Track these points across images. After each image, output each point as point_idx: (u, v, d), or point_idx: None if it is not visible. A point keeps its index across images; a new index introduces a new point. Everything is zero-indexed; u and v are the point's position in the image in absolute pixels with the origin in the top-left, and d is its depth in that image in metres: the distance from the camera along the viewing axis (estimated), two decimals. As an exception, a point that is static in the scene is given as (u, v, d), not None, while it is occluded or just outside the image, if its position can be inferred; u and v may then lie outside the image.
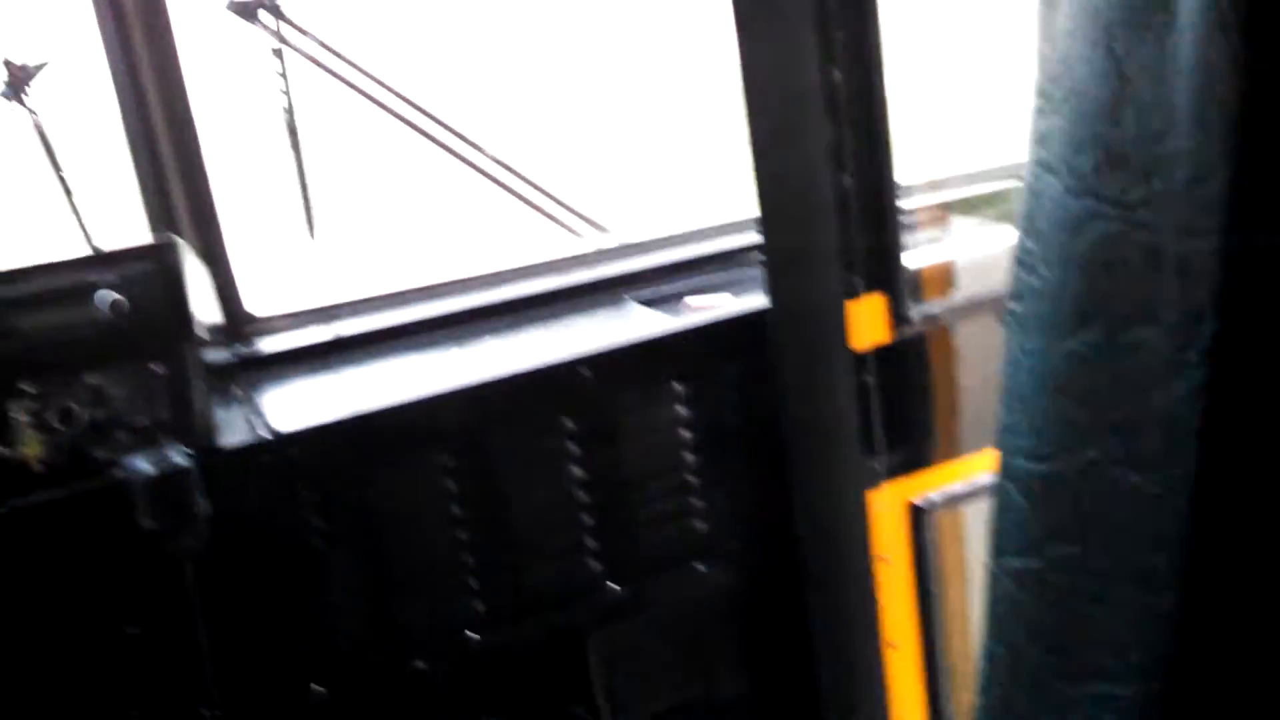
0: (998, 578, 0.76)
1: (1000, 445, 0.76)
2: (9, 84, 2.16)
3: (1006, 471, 0.75)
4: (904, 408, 2.11)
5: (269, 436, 1.90)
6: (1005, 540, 0.76)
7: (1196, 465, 0.63)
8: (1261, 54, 0.58)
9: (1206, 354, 0.61)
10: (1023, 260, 0.73)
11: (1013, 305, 0.74)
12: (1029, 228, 0.72)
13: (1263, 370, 0.62)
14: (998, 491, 0.77)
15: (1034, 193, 0.72)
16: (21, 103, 2.17)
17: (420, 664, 2.02)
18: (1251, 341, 0.62)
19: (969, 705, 2.30)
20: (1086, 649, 0.70)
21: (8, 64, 2.17)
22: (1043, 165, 0.71)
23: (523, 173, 2.59)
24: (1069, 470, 0.70)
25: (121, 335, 1.82)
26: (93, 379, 1.81)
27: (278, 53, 2.32)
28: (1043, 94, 0.70)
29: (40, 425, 1.77)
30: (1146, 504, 0.65)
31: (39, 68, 2.19)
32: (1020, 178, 2.35)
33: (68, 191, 2.28)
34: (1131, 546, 0.66)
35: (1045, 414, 0.71)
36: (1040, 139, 0.71)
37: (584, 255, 2.56)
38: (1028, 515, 0.73)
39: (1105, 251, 0.67)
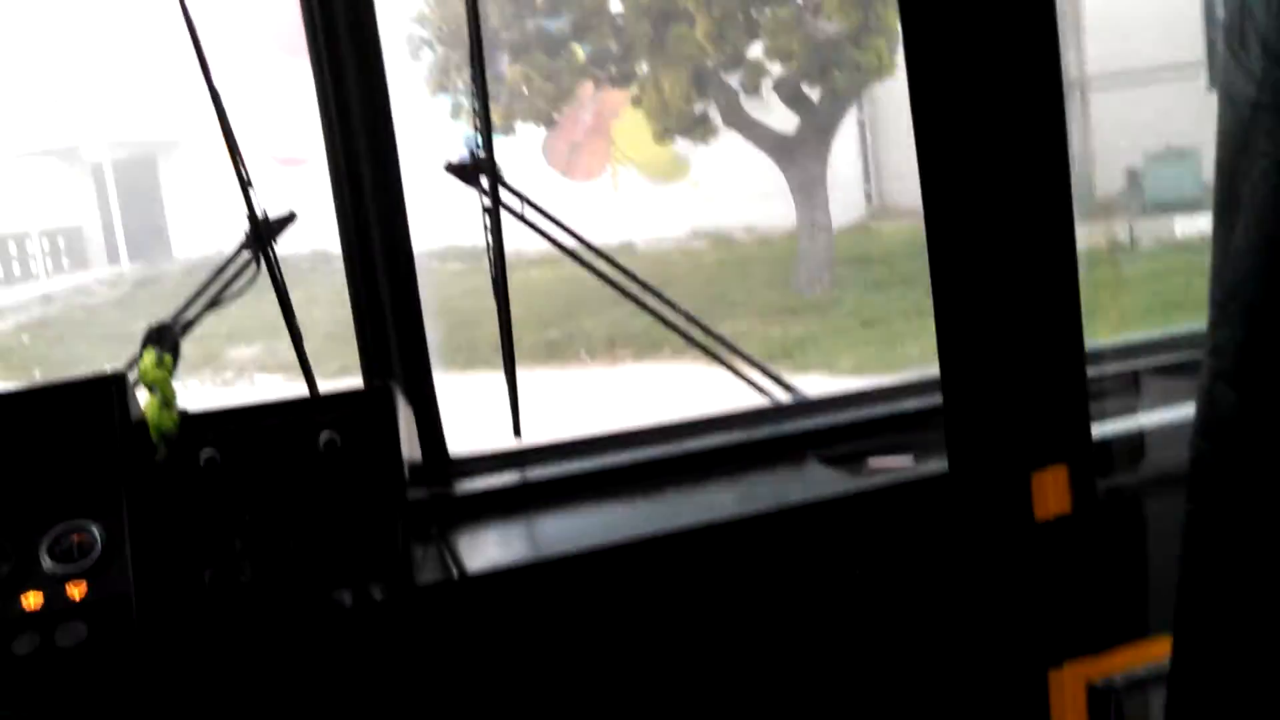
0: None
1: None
2: (257, 236, 2.38)
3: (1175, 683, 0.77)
4: (1087, 583, 2.07)
5: (458, 577, 2.01)
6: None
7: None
8: None
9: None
10: (1199, 462, 0.77)
11: (1189, 505, 0.77)
12: (1206, 432, 0.76)
13: None
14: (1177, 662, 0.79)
15: (1210, 399, 0.76)
16: (266, 256, 2.38)
17: None
18: None
19: None
20: None
21: (264, 220, 2.38)
22: (1219, 375, 0.75)
23: (714, 329, 2.69)
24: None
25: (335, 474, 1.98)
26: (306, 511, 1.97)
27: (489, 212, 2.49)
28: (1219, 306, 0.75)
29: (255, 553, 1.93)
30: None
31: (286, 221, 2.41)
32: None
33: (297, 338, 2.48)
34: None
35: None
36: (1217, 350, 0.75)
37: (768, 410, 2.63)
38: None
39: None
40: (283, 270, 2.45)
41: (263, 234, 2.40)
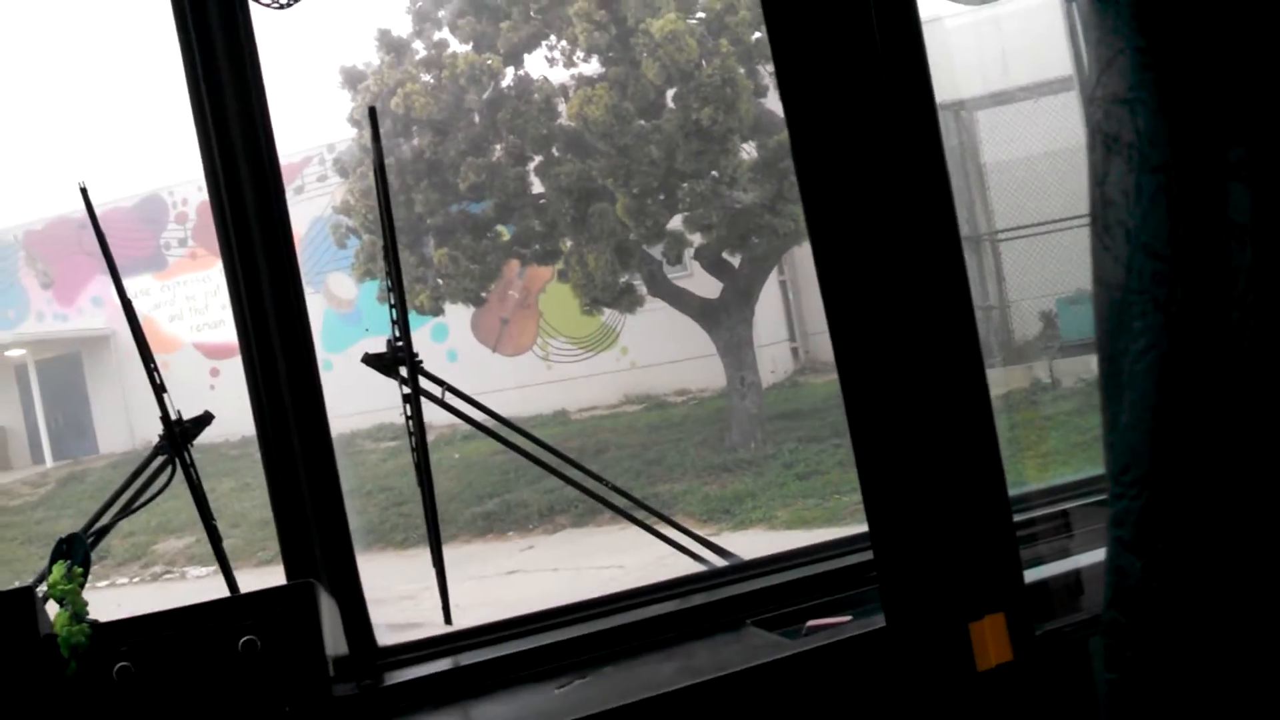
0: None
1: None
2: (171, 441, 2.35)
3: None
4: (1036, 731, 2.05)
5: None
6: None
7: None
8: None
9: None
10: (1114, 631, 0.77)
11: (1109, 675, 0.77)
12: (1116, 602, 0.77)
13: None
14: None
15: (1116, 569, 0.76)
16: (182, 459, 2.35)
17: None
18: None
19: None
20: None
21: (178, 423, 2.37)
22: (1122, 544, 0.76)
23: (642, 497, 2.68)
24: None
25: (256, 676, 1.91)
26: (227, 719, 1.89)
27: (409, 400, 2.50)
28: (1116, 480, 0.76)
29: None
30: None
31: (201, 423, 2.39)
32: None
33: (215, 538, 2.43)
34: None
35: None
36: (1117, 520, 0.76)
37: (702, 576, 2.60)
38: None
39: (1190, 632, 0.70)
40: (202, 461, 2.42)
41: (177, 438, 2.38)
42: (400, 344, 2.49)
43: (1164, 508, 0.71)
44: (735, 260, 13.89)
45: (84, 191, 2.50)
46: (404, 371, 2.48)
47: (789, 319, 17.08)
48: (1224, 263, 0.62)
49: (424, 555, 2.69)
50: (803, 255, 14.85)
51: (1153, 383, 0.70)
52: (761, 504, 11.78)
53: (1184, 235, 0.63)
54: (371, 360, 2.49)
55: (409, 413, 2.50)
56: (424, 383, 2.51)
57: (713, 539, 2.87)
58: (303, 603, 1.97)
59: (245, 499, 12.89)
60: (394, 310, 2.51)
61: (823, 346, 15.99)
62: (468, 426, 2.78)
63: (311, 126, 15.68)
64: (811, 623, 2.36)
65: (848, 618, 2.34)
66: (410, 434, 2.53)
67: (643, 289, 14.00)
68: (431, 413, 2.60)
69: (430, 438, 2.63)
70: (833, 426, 12.90)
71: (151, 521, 13.00)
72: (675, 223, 13.62)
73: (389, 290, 2.54)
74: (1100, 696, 0.76)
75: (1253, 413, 0.64)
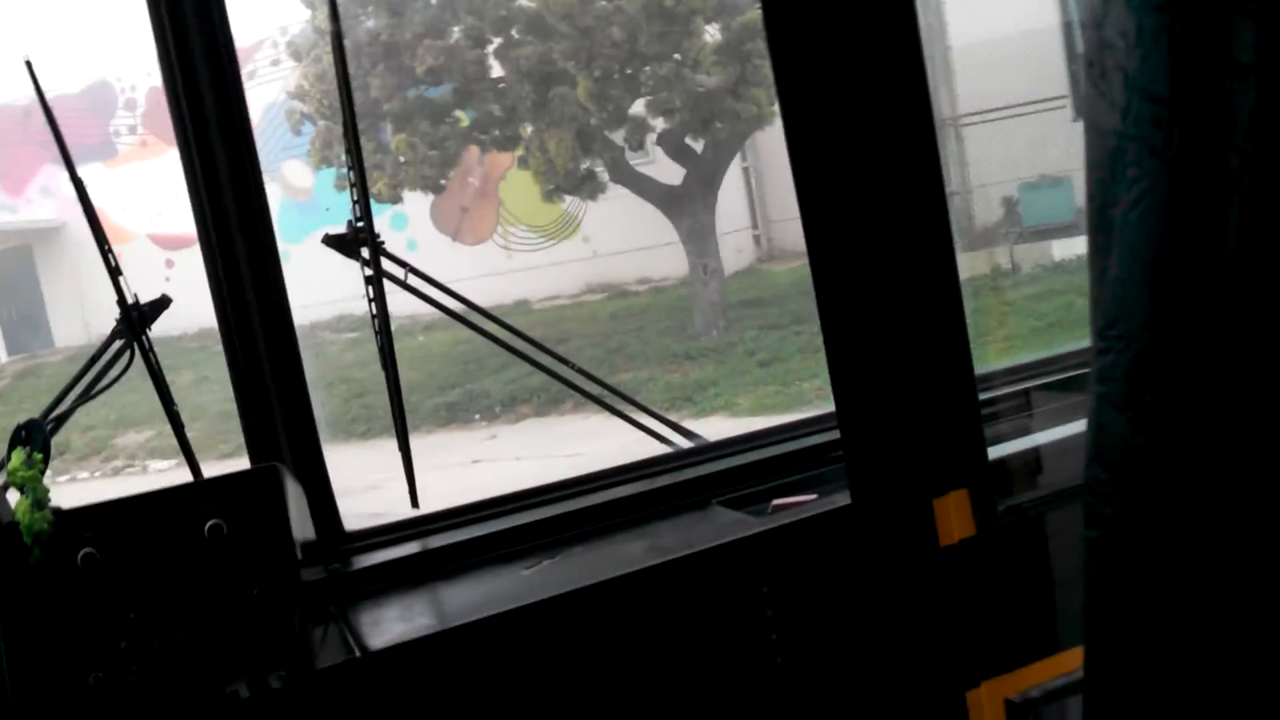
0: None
1: (1086, 677, 0.78)
2: (129, 325, 2.30)
3: (1093, 692, 0.76)
4: (997, 603, 2.09)
5: (360, 655, 1.94)
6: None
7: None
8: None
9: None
10: (1094, 489, 0.76)
11: (1088, 533, 0.76)
12: (1097, 458, 0.76)
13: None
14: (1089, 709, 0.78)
15: (1099, 425, 0.75)
16: (140, 344, 2.30)
17: None
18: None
19: None
20: None
21: (134, 306, 2.31)
22: (1106, 400, 0.74)
23: (610, 381, 2.67)
24: (1155, 693, 0.72)
25: (223, 561, 1.91)
26: (194, 603, 1.88)
27: (371, 281, 2.45)
28: (1101, 334, 0.75)
29: (143, 651, 1.84)
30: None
31: (159, 307, 2.34)
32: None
33: (177, 423, 2.40)
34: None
35: (1130, 644, 0.73)
36: (1102, 376, 0.75)
37: (668, 458, 2.61)
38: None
39: (1170, 484, 0.70)
40: (161, 355, 2.37)
41: (134, 322, 2.32)
42: (361, 225, 2.43)
43: (1152, 362, 0.69)
44: (698, 146, 13.73)
45: (29, 66, 2.39)
46: (365, 253, 2.43)
47: (751, 206, 16.98)
48: (1225, 105, 0.59)
49: (387, 445, 2.68)
50: (766, 141, 14.70)
51: (1145, 232, 0.68)
52: (723, 391, 11.86)
53: (1185, 77, 0.61)
54: (332, 241, 2.44)
55: (371, 295, 2.45)
56: (386, 264, 2.46)
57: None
58: (268, 486, 1.95)
59: (205, 392, 12.80)
60: (354, 191, 2.45)
61: (785, 234, 15.95)
62: (428, 317, 2.75)
63: (263, 8, 15.17)
64: (777, 501, 2.38)
65: (813, 496, 2.37)
66: (373, 317, 2.49)
67: (604, 176, 13.83)
68: (392, 304, 2.56)
69: (392, 328, 2.59)
70: (794, 314, 12.95)
71: (111, 415, 12.90)
72: (638, 107, 13.40)
73: (349, 171, 2.47)
74: (1081, 556, 0.75)
75: (1248, 264, 0.62)
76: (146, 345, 2.35)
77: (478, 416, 12.21)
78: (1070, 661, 2.14)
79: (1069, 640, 2.14)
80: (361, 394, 12.38)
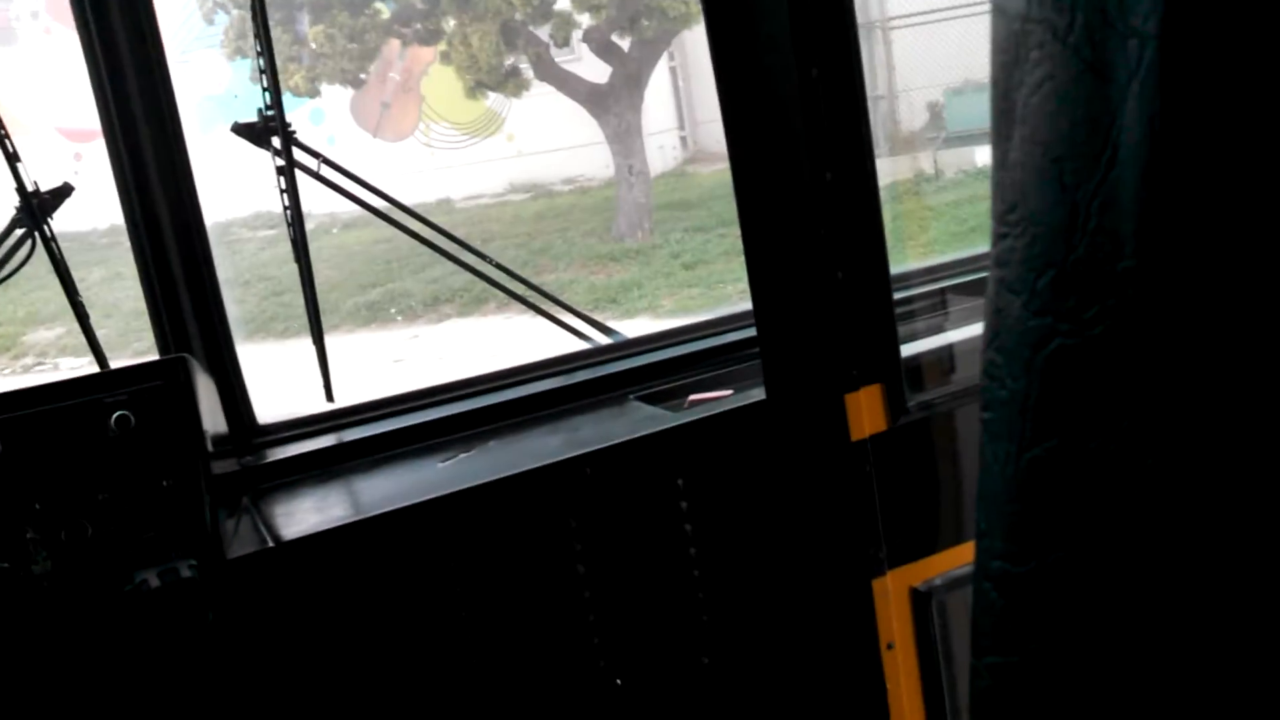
0: (979, 674, 0.80)
1: (978, 548, 0.80)
2: (30, 213, 2.23)
3: (984, 573, 0.79)
4: (905, 495, 2.14)
5: (274, 545, 1.94)
6: (985, 639, 0.79)
7: (1157, 558, 0.67)
8: (1199, 179, 0.63)
9: (1162, 458, 0.66)
10: (990, 372, 0.78)
11: (984, 414, 0.78)
12: (993, 342, 0.77)
13: (1210, 462, 0.66)
14: (977, 592, 0.80)
15: (996, 310, 0.77)
16: (42, 233, 2.23)
17: None
18: (1200, 435, 0.66)
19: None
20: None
21: (34, 194, 2.23)
22: (1003, 284, 0.76)
23: (531, 280, 2.66)
24: (1041, 571, 0.74)
25: (131, 452, 1.88)
26: (103, 495, 1.86)
27: (282, 171, 2.39)
28: (1000, 219, 0.75)
29: (50, 542, 1.81)
30: (1114, 600, 0.69)
31: (61, 195, 2.26)
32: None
33: (81, 314, 2.34)
34: (1102, 640, 0.70)
35: (1018, 517, 0.75)
36: (1000, 260, 0.76)
37: (588, 353, 2.61)
38: (1006, 615, 0.76)
39: (1063, 366, 0.71)
40: (71, 251, 2.31)
41: (35, 210, 2.25)
42: (272, 114, 2.36)
43: (1048, 247, 0.70)
44: (625, 44, 13.49)
45: None
46: (276, 142, 2.36)
47: (679, 107, 16.80)
48: None
49: (305, 344, 2.63)
50: (694, 40, 14.49)
51: (1044, 116, 0.69)
52: (647, 293, 11.85)
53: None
54: (241, 130, 2.36)
55: (283, 186, 2.39)
56: (299, 155, 2.40)
57: (597, 323, 2.85)
58: (177, 376, 1.91)
59: (118, 288, 12.46)
60: (265, 78, 2.37)
61: (712, 136, 15.82)
62: (349, 215, 2.70)
63: (169, -113, 14.46)
64: (693, 397, 2.41)
65: (728, 391, 2.39)
66: (285, 209, 2.43)
67: (529, 72, 13.56)
68: (310, 202, 2.50)
69: (309, 227, 2.53)
70: (719, 216, 12.92)
71: (19, 312, 12.53)
72: (563, 2, 13.10)
73: (258, 55, 2.39)
74: (979, 437, 0.77)
75: (1145, 148, 0.63)
76: (49, 235, 2.27)
77: (399, 317, 12.08)
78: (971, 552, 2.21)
79: (972, 532, 2.21)
80: (280, 292, 12.15)
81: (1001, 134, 0.76)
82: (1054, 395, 0.71)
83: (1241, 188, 0.62)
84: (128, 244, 2.30)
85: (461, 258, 2.80)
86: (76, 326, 2.38)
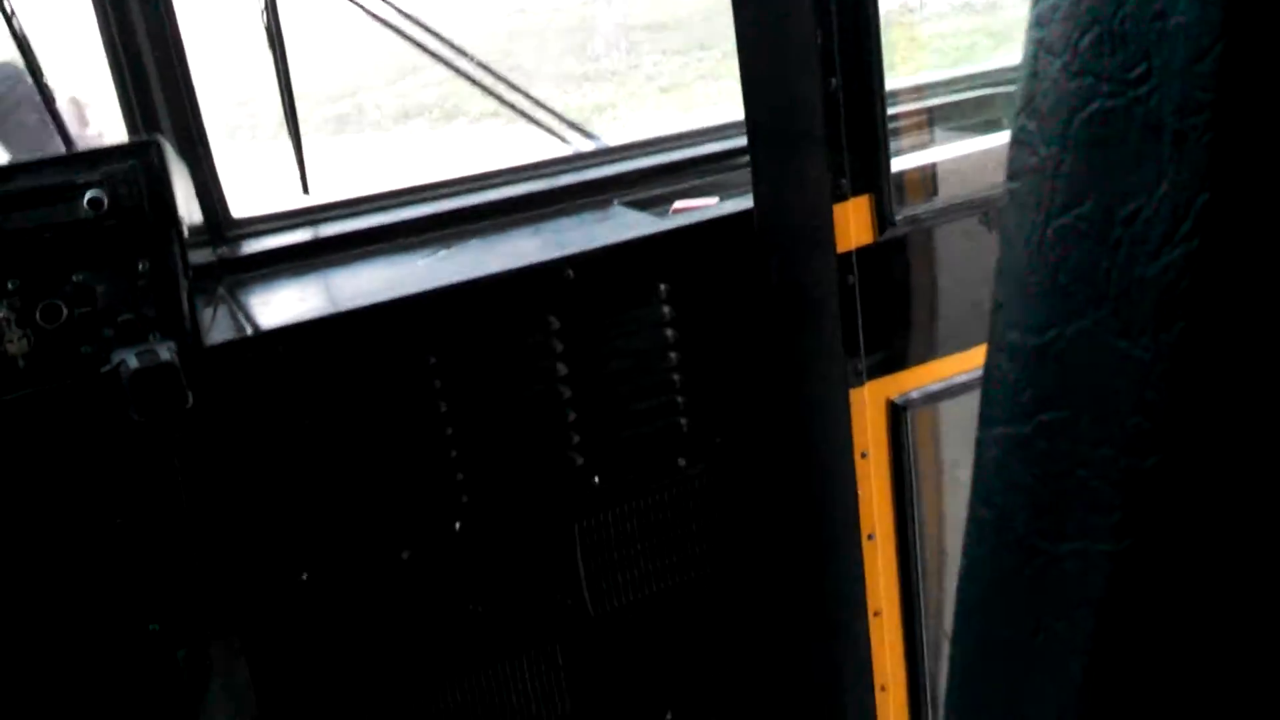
0: (987, 445, 0.80)
1: (994, 321, 0.79)
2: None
3: (999, 345, 0.78)
4: (886, 309, 2.14)
5: (252, 334, 1.92)
6: (995, 409, 0.79)
7: (1184, 332, 0.66)
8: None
9: (1200, 224, 0.64)
10: (1020, 140, 0.75)
11: (1010, 184, 0.76)
12: (1027, 108, 0.75)
13: (1252, 241, 0.65)
14: (990, 365, 0.80)
15: (1033, 73, 0.74)
16: (3, 8, 2.12)
17: (406, 554, 2.07)
18: (1242, 212, 0.65)
19: (940, 595, 2.38)
20: (1070, 509, 0.74)
21: None
22: (1042, 46, 0.72)
23: (510, 79, 2.57)
24: (1061, 340, 0.73)
25: (106, 233, 1.83)
26: (78, 276, 1.82)
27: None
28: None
29: (25, 322, 1.78)
30: (1134, 369, 0.69)
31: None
32: (1003, 83, 2.36)
33: (46, 94, 2.25)
34: (1118, 411, 0.70)
35: (1041, 287, 0.74)
36: (1039, 21, 0.72)
37: (571, 159, 2.56)
38: (1019, 386, 0.76)
39: (1104, 128, 0.69)
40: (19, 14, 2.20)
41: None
42: None
43: (1087, 10, 0.67)
44: None
45: None
46: None
47: (658, -78, 16.15)
48: None
49: (274, 148, 2.55)
50: None
51: None
52: (620, 116, 11.63)
53: None
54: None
55: None
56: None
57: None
58: (150, 158, 1.85)
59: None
60: None
61: (692, -46, 15.26)
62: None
63: None
64: (678, 204, 2.37)
65: (714, 200, 2.36)
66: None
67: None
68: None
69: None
70: (698, 40, 12.58)
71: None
72: None
73: None
74: (1003, 205, 0.75)
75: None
76: (8, 11, 2.17)
77: (369, 128, 11.80)
78: (948, 368, 2.23)
79: (950, 348, 2.23)
80: (244, 102, 11.82)
81: None
82: (1089, 159, 0.69)
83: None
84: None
85: (439, 53, 2.70)
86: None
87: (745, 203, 2.19)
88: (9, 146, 2.64)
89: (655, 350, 2.19)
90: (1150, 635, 0.73)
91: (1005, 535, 0.78)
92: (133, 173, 1.85)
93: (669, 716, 2.42)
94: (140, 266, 1.84)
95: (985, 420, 0.81)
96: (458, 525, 2.09)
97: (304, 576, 2.00)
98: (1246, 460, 0.68)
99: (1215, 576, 0.70)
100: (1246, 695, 0.72)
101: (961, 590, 0.86)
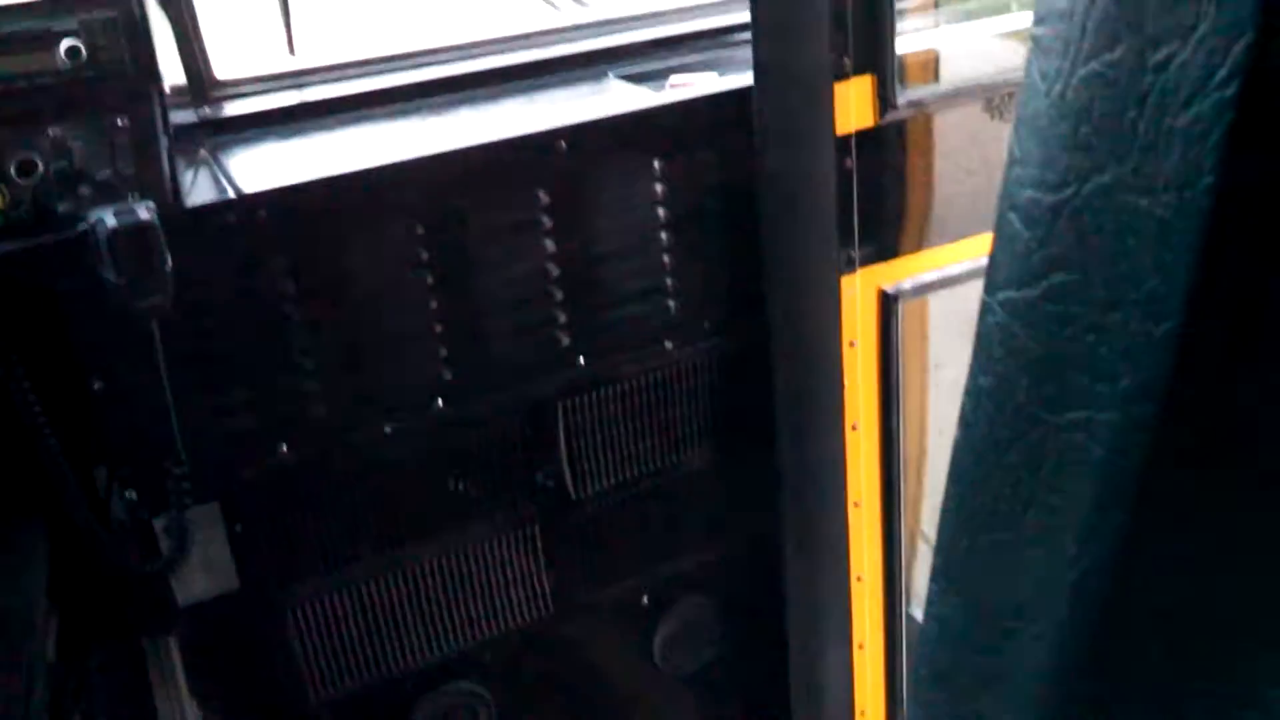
0: (991, 310, 0.77)
1: (1008, 177, 0.75)
2: None
3: (1011, 203, 0.74)
4: (882, 195, 2.10)
5: (235, 196, 1.87)
6: (1002, 273, 0.76)
7: (1210, 189, 0.63)
8: None
9: (1236, 69, 0.61)
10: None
11: (1035, 30, 0.72)
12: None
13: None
14: (1000, 225, 0.76)
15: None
16: None
17: (388, 429, 2.05)
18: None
19: (919, 487, 2.38)
20: (1075, 376, 0.72)
21: None
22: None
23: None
24: (1078, 197, 0.70)
25: (83, 85, 1.76)
26: (54, 130, 1.75)
27: None
28: None
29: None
30: (1154, 227, 0.65)
31: None
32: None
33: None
34: (1133, 272, 0.67)
35: (1061, 140, 0.70)
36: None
37: (565, 28, 2.48)
38: (1030, 246, 0.73)
39: (1140, -32, 0.65)
40: None
41: None
42: None
43: None
44: None
45: None
46: None
47: None
48: None
49: (259, 5, 2.45)
50: None
51: None
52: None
53: None
54: None
55: None
56: None
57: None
58: (129, 6, 1.77)
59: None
60: None
61: None
62: None
63: None
64: (675, 79, 2.31)
65: (713, 75, 2.30)
66: None
67: None
68: None
69: None
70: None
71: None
72: None
73: None
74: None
75: None
76: None
77: None
78: (941, 258, 2.20)
79: (946, 238, 2.20)
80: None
81: None
82: (1127, 2, 0.65)
83: None
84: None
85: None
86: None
87: (745, 79, 2.13)
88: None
89: (646, 230, 2.14)
90: (1149, 511, 0.71)
91: (1004, 404, 0.76)
92: (112, 23, 1.77)
93: (645, 601, 2.44)
94: (119, 122, 1.78)
95: (991, 285, 0.78)
96: (440, 402, 2.07)
97: (283, 448, 1.98)
98: (1265, 329, 0.65)
99: (1222, 452, 0.68)
100: (1243, 575, 0.71)
101: (954, 461, 0.84)
